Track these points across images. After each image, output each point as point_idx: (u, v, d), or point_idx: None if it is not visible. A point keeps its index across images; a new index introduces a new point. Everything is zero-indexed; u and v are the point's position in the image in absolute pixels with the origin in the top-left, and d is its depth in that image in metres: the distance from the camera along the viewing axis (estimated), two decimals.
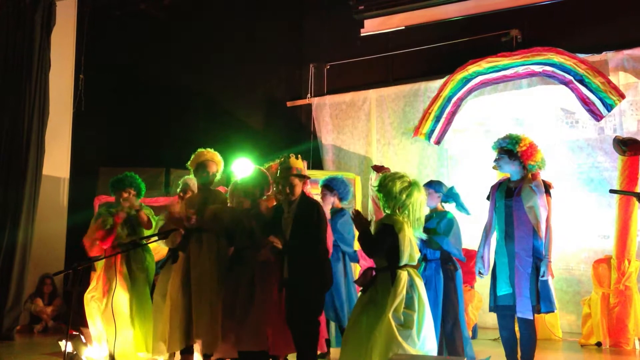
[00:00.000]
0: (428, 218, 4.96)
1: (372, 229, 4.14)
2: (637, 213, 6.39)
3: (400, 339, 3.71)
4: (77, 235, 8.88)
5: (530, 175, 4.47)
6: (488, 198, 4.73)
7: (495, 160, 4.58)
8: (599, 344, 6.38)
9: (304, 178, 4.58)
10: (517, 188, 4.44)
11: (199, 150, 5.27)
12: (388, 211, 4.02)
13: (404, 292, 3.85)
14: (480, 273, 4.55)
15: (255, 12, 9.87)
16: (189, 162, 5.29)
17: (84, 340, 5.56)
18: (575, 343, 6.68)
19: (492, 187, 4.70)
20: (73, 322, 4.92)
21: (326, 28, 9.68)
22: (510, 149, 4.47)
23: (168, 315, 5.04)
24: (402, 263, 3.91)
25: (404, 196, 3.92)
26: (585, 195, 7.47)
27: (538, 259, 4.34)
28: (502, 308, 4.43)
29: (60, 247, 8.87)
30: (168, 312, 5.05)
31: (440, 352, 4.59)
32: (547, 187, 4.45)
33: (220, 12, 10.02)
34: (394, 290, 3.82)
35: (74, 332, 5.50)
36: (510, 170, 4.53)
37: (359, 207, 7.60)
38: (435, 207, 5.15)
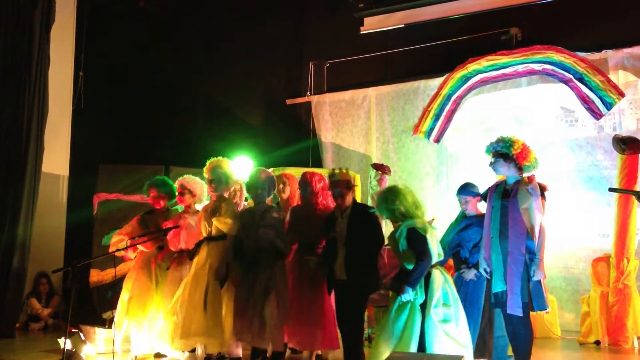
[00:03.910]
0: (468, 225, 4.98)
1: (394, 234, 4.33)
2: (636, 212, 6.39)
3: (444, 333, 4.02)
4: (76, 232, 8.93)
5: (526, 178, 4.54)
6: (485, 199, 4.79)
7: (491, 164, 4.65)
8: (597, 343, 6.39)
9: (351, 188, 4.85)
10: (513, 190, 4.53)
11: (212, 159, 5.40)
12: (400, 220, 4.28)
13: (440, 289, 4.13)
14: (486, 272, 4.61)
15: (255, 10, 9.86)
16: (204, 171, 5.42)
17: (82, 338, 5.57)
18: (573, 341, 6.68)
19: (489, 189, 4.77)
20: (72, 319, 4.93)
21: (326, 26, 9.67)
22: (505, 152, 4.54)
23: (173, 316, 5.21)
24: (433, 262, 4.16)
25: (402, 203, 4.24)
26: (584, 194, 7.47)
27: (531, 258, 4.43)
28: (502, 304, 4.50)
29: (60, 244, 8.87)
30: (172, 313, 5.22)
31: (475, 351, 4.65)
32: (542, 190, 4.53)
33: (220, 9, 10.02)
34: (430, 289, 4.10)
35: (73, 330, 5.51)
36: (506, 172, 4.61)
37: None
38: (475, 214, 5.04)
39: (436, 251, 4.21)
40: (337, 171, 4.89)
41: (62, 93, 8.90)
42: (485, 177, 7.53)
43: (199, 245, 5.24)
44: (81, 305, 7.61)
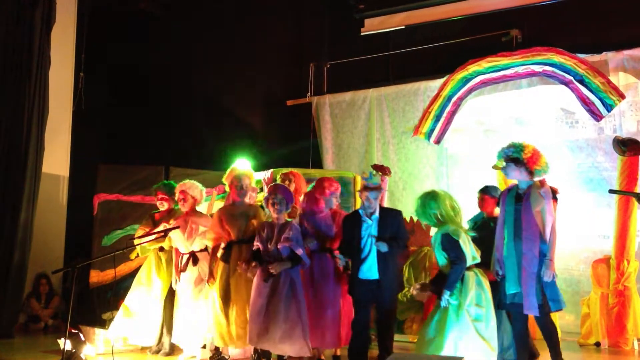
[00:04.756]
0: (486, 224, 5.17)
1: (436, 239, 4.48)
2: (637, 213, 6.39)
3: (475, 331, 4.20)
4: (76, 233, 8.92)
5: (538, 182, 4.66)
6: (498, 204, 4.90)
7: (503, 169, 4.77)
8: (597, 344, 6.38)
9: (380, 191, 5.00)
10: (526, 194, 4.64)
11: (234, 166, 5.72)
12: (437, 225, 4.44)
13: (474, 290, 4.30)
14: (497, 274, 4.72)
15: (255, 10, 9.86)
16: (224, 177, 5.68)
17: (82, 338, 5.57)
18: (574, 343, 6.67)
19: (502, 193, 4.88)
20: (72, 320, 4.94)
21: (326, 27, 9.68)
22: (517, 157, 4.64)
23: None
24: (468, 264, 4.32)
25: (439, 208, 4.40)
26: (584, 195, 7.47)
27: (542, 260, 4.57)
28: (514, 305, 4.63)
29: (60, 244, 8.86)
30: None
31: None
32: (553, 193, 4.71)
33: (221, 10, 10.02)
34: (464, 289, 4.28)
35: (73, 330, 5.51)
36: (517, 177, 4.70)
37: (357, 206, 7.59)
38: (491, 214, 5.25)
39: (470, 254, 4.36)
40: (374, 173, 5.04)
41: (62, 93, 8.90)
42: (485, 178, 7.55)
43: (229, 247, 5.38)
44: (81, 306, 7.60)
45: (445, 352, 4.16)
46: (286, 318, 4.88)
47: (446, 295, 4.26)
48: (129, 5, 9.87)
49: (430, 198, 4.46)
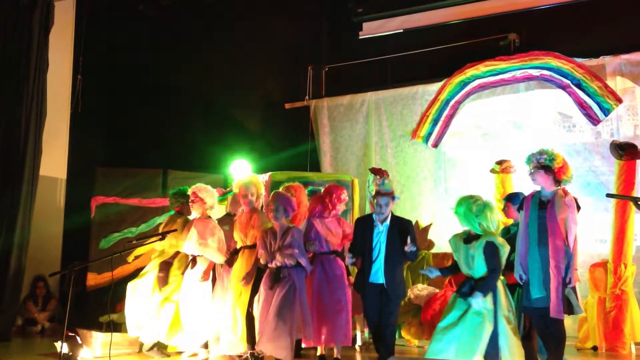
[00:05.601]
0: (507, 230, 5.28)
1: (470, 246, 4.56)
2: (634, 217, 6.40)
3: (513, 334, 4.37)
4: (73, 236, 8.91)
5: (561, 191, 4.75)
6: (520, 209, 4.95)
7: (530, 174, 4.84)
8: (595, 348, 6.39)
9: (394, 198, 5.16)
10: (550, 201, 4.72)
11: (248, 178, 5.82)
12: (483, 233, 4.51)
13: (504, 297, 4.48)
14: (521, 278, 4.80)
15: (254, 13, 9.87)
16: (236, 187, 5.76)
17: (79, 341, 5.57)
18: (571, 347, 6.66)
19: (525, 199, 4.93)
20: (69, 323, 4.94)
21: (324, 30, 9.69)
22: (548, 165, 4.76)
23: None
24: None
25: (486, 219, 4.47)
26: (581, 199, 7.43)
27: (567, 267, 4.67)
28: (536, 310, 4.70)
29: (57, 247, 8.85)
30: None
31: None
32: (576, 202, 4.79)
33: (219, 13, 10.03)
34: (498, 297, 4.45)
35: (70, 333, 5.51)
36: (544, 184, 4.79)
37: (356, 210, 7.61)
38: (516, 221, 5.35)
39: (503, 264, 4.55)
40: (387, 181, 5.24)
41: (60, 96, 8.90)
42: (483, 181, 7.57)
43: (236, 253, 5.59)
44: (78, 309, 7.60)
45: (477, 357, 4.29)
46: (278, 321, 4.97)
47: (478, 297, 4.35)
48: (127, 8, 9.87)
49: (481, 206, 4.49)
